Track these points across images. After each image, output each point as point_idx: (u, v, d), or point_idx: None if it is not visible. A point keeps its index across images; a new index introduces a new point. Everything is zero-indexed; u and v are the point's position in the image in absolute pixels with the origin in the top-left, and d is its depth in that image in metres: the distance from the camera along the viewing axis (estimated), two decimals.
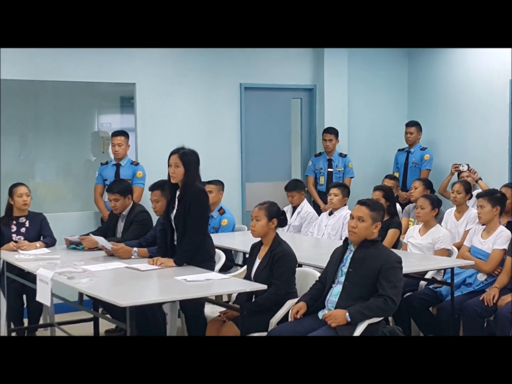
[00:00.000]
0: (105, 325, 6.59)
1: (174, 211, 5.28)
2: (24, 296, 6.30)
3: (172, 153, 5.33)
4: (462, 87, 8.77)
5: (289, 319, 4.75)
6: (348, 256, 4.68)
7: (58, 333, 6.48)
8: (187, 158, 5.27)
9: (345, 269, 4.65)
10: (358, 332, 4.47)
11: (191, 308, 5.33)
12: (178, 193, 5.29)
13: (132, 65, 7.65)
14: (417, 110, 9.29)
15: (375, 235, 4.65)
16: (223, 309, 5.13)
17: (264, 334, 4.73)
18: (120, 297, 4.42)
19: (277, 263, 4.96)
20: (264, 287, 4.75)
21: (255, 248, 5.26)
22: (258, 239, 5.21)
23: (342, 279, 4.65)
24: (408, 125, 8.82)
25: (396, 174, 8.62)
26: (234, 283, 4.78)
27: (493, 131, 8.40)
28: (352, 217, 4.68)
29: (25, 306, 6.35)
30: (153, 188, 5.89)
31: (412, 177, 8.61)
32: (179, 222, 5.23)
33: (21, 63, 7.16)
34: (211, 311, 5.37)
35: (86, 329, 6.49)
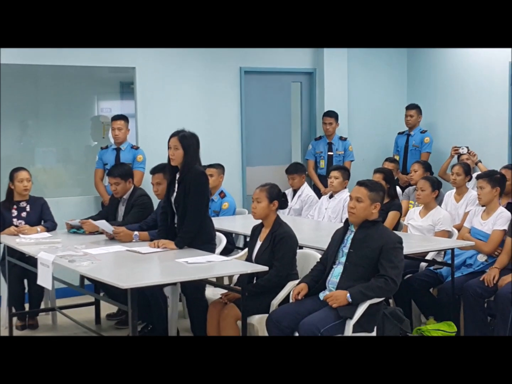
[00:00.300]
0: (106, 310, 6.62)
1: (174, 194, 5.28)
2: (25, 281, 6.31)
3: (172, 136, 5.34)
4: (461, 70, 8.75)
5: (290, 301, 4.76)
6: (349, 236, 4.69)
7: (60, 317, 6.51)
8: (187, 141, 5.28)
9: (346, 250, 4.65)
10: (359, 312, 4.48)
11: (192, 290, 5.36)
12: (178, 175, 5.28)
13: (132, 49, 7.60)
14: (417, 93, 9.28)
15: (375, 216, 4.65)
16: (224, 291, 5.14)
17: (265, 315, 4.74)
18: (121, 279, 4.43)
19: (278, 245, 4.97)
20: (265, 268, 4.76)
21: (256, 230, 5.26)
22: (259, 221, 5.21)
23: (343, 259, 4.65)
24: (408, 108, 8.81)
25: (396, 157, 8.61)
26: (235, 265, 4.79)
27: (492, 113, 8.38)
28: (351, 198, 4.70)
29: (26, 290, 6.36)
30: (154, 171, 5.90)
31: (412, 160, 8.57)
32: (179, 204, 5.24)
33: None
34: (212, 293, 5.39)
35: (88, 313, 6.54)
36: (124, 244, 5.52)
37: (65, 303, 6.67)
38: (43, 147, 8.85)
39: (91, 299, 6.58)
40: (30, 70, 7.89)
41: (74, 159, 8.97)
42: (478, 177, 5.98)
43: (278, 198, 5.15)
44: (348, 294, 4.46)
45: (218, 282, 5.17)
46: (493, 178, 5.83)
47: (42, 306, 6.53)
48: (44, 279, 5.12)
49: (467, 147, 8.06)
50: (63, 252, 5.22)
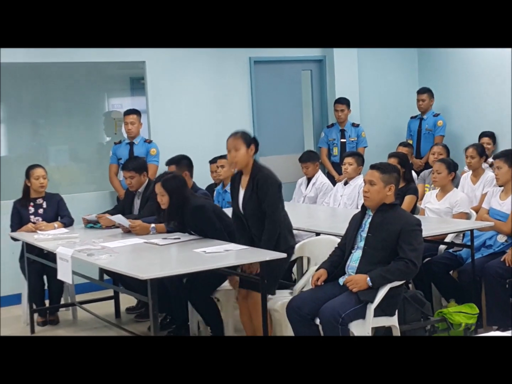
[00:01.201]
0: (126, 303, 6.63)
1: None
2: (45, 277, 6.33)
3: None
4: (473, 51, 8.68)
5: (310, 287, 4.74)
6: (367, 221, 4.66)
7: (80, 312, 6.52)
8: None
9: (364, 234, 4.62)
10: (379, 296, 4.45)
11: (199, 289, 5.31)
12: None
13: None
14: (428, 77, 9.21)
15: (391, 198, 4.61)
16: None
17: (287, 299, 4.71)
18: (141, 271, 4.45)
19: (262, 189, 4.81)
20: (283, 255, 4.72)
21: (235, 179, 5.08)
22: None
23: (361, 244, 4.62)
24: (420, 92, 8.75)
25: (410, 142, 8.55)
26: (254, 253, 4.77)
27: (506, 95, 8.30)
28: (364, 182, 4.67)
29: (46, 287, 6.38)
30: (169, 163, 5.91)
31: (426, 144, 8.56)
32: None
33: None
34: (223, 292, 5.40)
35: (107, 308, 6.55)
36: (142, 237, 5.53)
37: (84, 298, 6.69)
38: (55, 145, 8.85)
39: (110, 293, 6.60)
40: (39, 69, 7.89)
41: (87, 156, 8.97)
42: (495, 157, 5.93)
43: (254, 141, 4.98)
44: (368, 278, 4.44)
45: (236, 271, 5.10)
46: (510, 157, 5.78)
47: (62, 301, 6.53)
48: (64, 274, 5.15)
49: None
50: (81, 247, 5.23)
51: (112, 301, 6.55)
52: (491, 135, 8.09)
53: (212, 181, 7.41)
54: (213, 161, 7.20)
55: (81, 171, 8.90)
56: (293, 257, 5.23)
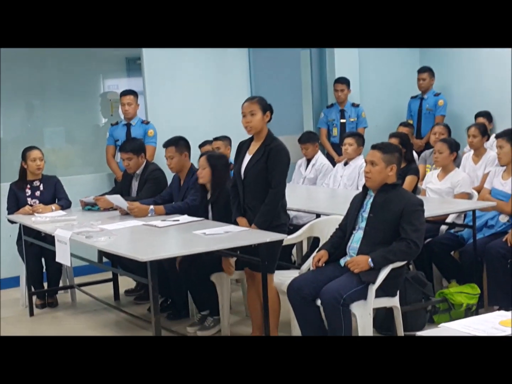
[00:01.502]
0: (124, 286, 6.59)
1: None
2: (43, 260, 6.28)
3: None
4: None
5: (311, 268, 4.69)
6: (368, 201, 4.59)
7: (78, 294, 6.48)
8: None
9: (365, 215, 4.55)
10: (381, 277, 4.40)
11: (198, 271, 5.27)
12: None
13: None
14: (429, 56, 9.10)
15: (392, 178, 4.54)
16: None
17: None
18: (140, 252, 4.41)
19: (274, 159, 4.74)
20: (284, 236, 4.68)
21: (244, 145, 5.01)
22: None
23: (363, 224, 4.56)
24: (420, 71, 8.66)
25: (410, 122, 8.47)
26: (254, 235, 4.71)
27: (507, 74, 8.21)
28: (366, 162, 4.60)
29: (44, 269, 6.33)
30: (167, 144, 5.83)
31: (427, 124, 8.48)
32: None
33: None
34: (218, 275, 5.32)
35: (106, 290, 6.51)
36: (140, 219, 5.47)
37: (83, 280, 6.65)
38: (50, 127, 8.78)
39: (109, 275, 6.55)
40: (34, 50, 7.76)
41: (83, 138, 8.90)
42: (497, 136, 5.87)
43: (270, 109, 4.95)
44: (370, 259, 4.38)
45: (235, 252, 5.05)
46: None
47: (61, 284, 6.49)
48: (63, 256, 5.10)
49: None
50: (79, 229, 5.18)
51: (111, 283, 6.51)
52: (486, 115, 8.01)
53: None
54: (202, 145, 7.08)
55: (77, 153, 8.83)
56: (302, 237, 5.26)
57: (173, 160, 5.76)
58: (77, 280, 6.59)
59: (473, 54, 8.59)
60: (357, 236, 4.58)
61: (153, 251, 4.44)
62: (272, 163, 4.75)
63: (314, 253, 4.76)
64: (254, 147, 4.90)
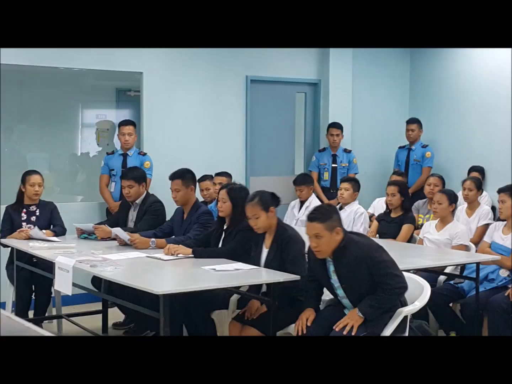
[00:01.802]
0: (113, 318, 6.44)
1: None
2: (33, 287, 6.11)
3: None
4: (464, 85, 8.74)
5: (297, 333, 4.43)
6: (330, 269, 4.37)
7: (65, 325, 6.31)
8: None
9: (336, 284, 4.38)
10: (390, 329, 4.31)
11: (200, 309, 5.16)
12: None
13: (139, 54, 7.46)
14: (418, 107, 9.24)
15: (339, 240, 4.27)
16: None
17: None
18: (153, 285, 4.31)
19: (287, 248, 4.76)
20: (297, 277, 4.60)
21: (260, 237, 5.02)
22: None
23: (341, 293, 4.41)
24: (409, 122, 8.75)
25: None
26: (266, 273, 4.64)
27: (496, 130, 8.34)
28: (308, 236, 4.32)
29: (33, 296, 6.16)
30: (173, 177, 5.74)
31: (414, 174, 8.56)
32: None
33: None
34: (218, 314, 5.22)
35: (93, 322, 6.34)
36: (143, 251, 5.37)
37: (68, 311, 6.47)
38: (34, 152, 8.68)
39: (98, 307, 6.39)
40: (23, 72, 7.67)
41: (61, 166, 8.83)
42: (499, 191, 5.92)
43: (272, 203, 4.92)
44: (358, 312, 4.24)
45: (246, 291, 4.97)
46: None
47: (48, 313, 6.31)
48: (63, 285, 4.94)
49: None
50: (80, 257, 5.05)
51: (99, 315, 6.33)
52: (480, 170, 8.11)
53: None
54: (202, 179, 6.99)
55: (55, 180, 8.70)
56: None
57: (179, 193, 5.69)
58: (64, 310, 6.41)
59: (462, 109, 8.74)
60: (341, 293, 4.42)
61: (167, 285, 4.35)
62: (286, 254, 4.76)
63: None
64: (268, 240, 4.96)
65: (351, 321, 4.24)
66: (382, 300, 4.25)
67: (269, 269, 4.81)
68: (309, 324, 4.39)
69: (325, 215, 4.27)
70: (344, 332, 4.21)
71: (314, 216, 4.29)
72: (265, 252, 4.97)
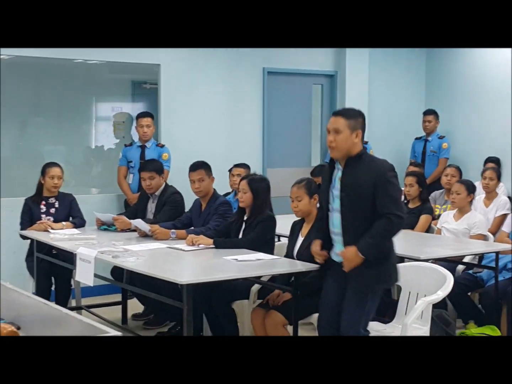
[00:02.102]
0: (132, 309, 6.48)
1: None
2: (52, 279, 6.15)
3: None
4: (480, 77, 8.73)
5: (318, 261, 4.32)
6: (337, 175, 4.13)
7: (85, 316, 6.33)
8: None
9: (336, 192, 4.12)
10: (411, 319, 4.29)
11: (222, 299, 5.19)
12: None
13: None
14: (434, 99, 9.24)
15: (358, 147, 4.09)
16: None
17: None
18: (177, 275, 4.34)
19: None
20: (317, 266, 4.60)
21: (297, 225, 5.09)
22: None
23: (337, 205, 4.12)
24: (426, 113, 8.77)
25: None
26: (288, 263, 4.67)
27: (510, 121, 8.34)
28: (328, 131, 4.12)
29: (53, 288, 6.20)
30: (196, 167, 5.74)
31: (430, 165, 8.56)
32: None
33: None
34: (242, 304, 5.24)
35: (113, 313, 6.39)
36: (163, 242, 5.39)
37: (87, 302, 6.51)
38: (49, 145, 8.72)
39: (116, 298, 6.44)
40: (35, 65, 7.70)
41: (77, 158, 8.87)
42: None
43: (317, 191, 4.95)
44: (359, 252, 4.00)
45: (269, 282, 5.00)
46: None
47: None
48: (85, 275, 4.99)
49: None
50: (102, 248, 5.08)
51: (119, 306, 6.39)
52: (496, 161, 8.11)
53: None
54: (230, 170, 7.06)
55: (71, 173, 8.75)
56: None
57: (203, 183, 5.69)
58: (84, 301, 6.46)
59: (478, 101, 8.73)
60: (335, 219, 4.16)
61: (190, 274, 4.38)
62: None
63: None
64: (305, 229, 4.97)
65: (350, 262, 4.04)
66: (379, 233, 4.01)
67: (301, 257, 4.81)
68: (319, 249, 4.24)
69: (351, 114, 4.14)
70: (346, 270, 4.07)
71: (340, 111, 4.19)
72: (300, 240, 4.98)
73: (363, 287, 4.11)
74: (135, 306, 6.45)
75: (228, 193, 6.91)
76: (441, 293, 4.38)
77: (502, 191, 7.50)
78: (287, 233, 5.39)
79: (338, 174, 4.12)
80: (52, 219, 6.10)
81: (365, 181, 4.00)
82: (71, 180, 8.57)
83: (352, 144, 4.06)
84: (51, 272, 6.05)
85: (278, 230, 5.43)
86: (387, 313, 5.48)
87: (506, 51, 8.35)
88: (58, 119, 8.57)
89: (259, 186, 5.30)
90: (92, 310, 6.32)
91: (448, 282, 4.40)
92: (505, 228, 5.98)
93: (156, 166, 6.15)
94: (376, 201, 4.00)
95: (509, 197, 7.41)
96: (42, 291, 5.99)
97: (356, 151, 4.08)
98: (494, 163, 7.94)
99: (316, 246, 4.27)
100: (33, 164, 7.37)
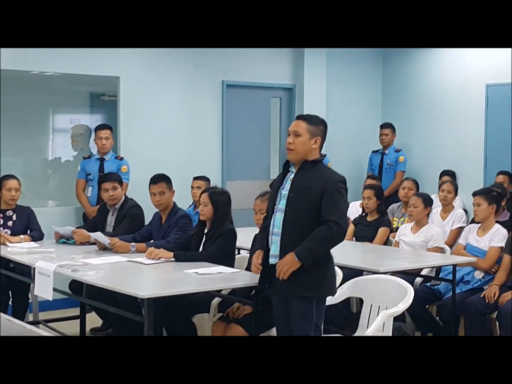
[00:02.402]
0: (91, 323, 6.42)
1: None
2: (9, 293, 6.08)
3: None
4: (436, 91, 8.88)
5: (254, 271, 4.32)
6: (289, 178, 4.18)
7: (43, 330, 6.26)
8: None
9: (285, 192, 4.14)
10: (372, 332, 4.31)
11: (181, 312, 5.17)
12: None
13: (115, 59, 7.47)
14: (391, 112, 9.36)
15: (315, 153, 4.17)
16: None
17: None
18: (138, 289, 4.31)
19: None
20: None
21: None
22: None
23: (282, 205, 4.13)
24: (383, 126, 8.88)
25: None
26: (249, 276, 4.67)
27: (468, 135, 8.51)
28: (289, 133, 4.18)
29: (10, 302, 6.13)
30: (157, 180, 5.72)
31: (387, 178, 8.66)
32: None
33: None
34: (202, 317, 5.21)
35: (70, 327, 6.32)
36: (123, 255, 5.37)
37: (45, 317, 6.44)
38: (6, 157, 8.61)
39: (75, 312, 6.37)
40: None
41: (36, 171, 8.79)
42: (474, 194, 6.01)
43: None
44: (295, 256, 4.01)
45: (228, 295, 5.01)
46: (490, 195, 5.88)
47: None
48: (44, 290, 4.92)
49: None
50: (61, 262, 5.04)
51: (77, 321, 6.31)
52: (452, 174, 8.24)
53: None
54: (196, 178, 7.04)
55: (27, 185, 8.66)
56: (343, 297, 4.82)
57: (164, 196, 5.68)
58: (41, 315, 6.38)
59: (433, 113, 8.87)
60: (277, 219, 4.16)
61: (151, 288, 4.36)
62: None
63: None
64: None
65: (286, 265, 4.04)
66: (318, 239, 4.04)
67: None
68: (259, 261, 4.23)
69: (314, 119, 4.22)
70: (280, 275, 4.06)
71: (303, 116, 4.27)
72: None
73: (306, 292, 4.10)
74: (93, 320, 6.40)
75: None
76: (402, 306, 4.41)
77: (458, 204, 7.62)
78: (247, 245, 5.44)
79: (290, 176, 4.18)
80: (9, 232, 6.03)
81: (315, 185, 4.06)
82: (28, 192, 8.49)
83: (309, 149, 4.14)
84: (9, 286, 5.98)
85: (238, 243, 5.44)
86: (347, 326, 5.53)
87: (461, 65, 8.52)
88: (15, 131, 8.49)
89: (220, 199, 5.31)
90: (50, 324, 6.25)
91: (409, 295, 4.44)
92: (461, 240, 6.07)
93: (117, 177, 6.15)
94: (322, 207, 4.03)
95: (464, 209, 7.56)
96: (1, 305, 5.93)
97: (313, 157, 4.16)
98: (449, 176, 8.08)
99: (256, 257, 4.26)
100: None
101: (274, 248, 4.18)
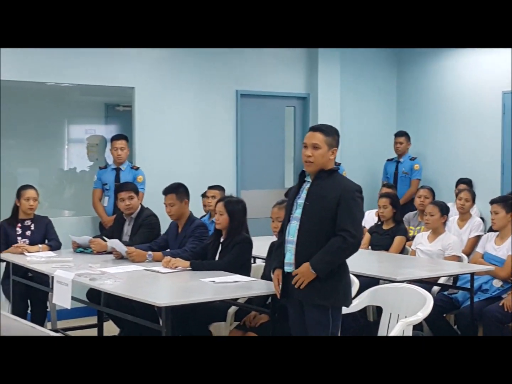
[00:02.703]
0: (108, 332, 6.44)
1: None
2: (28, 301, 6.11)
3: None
4: (452, 98, 8.86)
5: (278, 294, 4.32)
6: (305, 187, 4.21)
7: None
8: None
9: (300, 201, 4.17)
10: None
11: (198, 321, 5.17)
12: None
13: (131, 69, 7.52)
14: (405, 120, 9.35)
15: (331, 163, 4.21)
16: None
17: None
18: (156, 297, 4.34)
19: None
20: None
21: (274, 246, 5.12)
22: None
23: (298, 214, 4.17)
24: (397, 135, 8.87)
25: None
26: (265, 285, 4.67)
27: (484, 142, 8.48)
28: (306, 145, 4.20)
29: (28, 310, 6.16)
30: (167, 191, 5.76)
31: (402, 187, 8.65)
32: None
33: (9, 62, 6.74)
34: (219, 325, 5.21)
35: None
36: (140, 264, 5.39)
37: (63, 325, 6.47)
38: (22, 168, 8.69)
39: (92, 321, 6.40)
40: (13, 88, 7.69)
41: (52, 181, 8.85)
42: (492, 202, 5.99)
43: None
44: (311, 268, 4.05)
45: (244, 303, 5.01)
46: (508, 203, 5.86)
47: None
48: (62, 298, 4.95)
49: None
50: (79, 271, 5.06)
51: (94, 329, 6.34)
52: (468, 182, 8.21)
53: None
54: (204, 194, 7.12)
55: (44, 195, 8.71)
56: (363, 305, 4.82)
57: (173, 207, 5.72)
58: (59, 324, 6.41)
59: (449, 121, 8.85)
60: (293, 227, 4.19)
61: (169, 297, 4.37)
62: None
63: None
64: None
65: (302, 277, 4.08)
66: (333, 251, 4.07)
67: None
68: (280, 284, 4.24)
69: (330, 131, 4.23)
70: (296, 286, 4.10)
71: (319, 127, 4.26)
72: None
73: (321, 301, 4.11)
74: (110, 328, 6.41)
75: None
76: (421, 314, 4.40)
77: (475, 212, 7.59)
78: (263, 254, 5.44)
79: (306, 186, 4.21)
80: (28, 241, 6.08)
81: (331, 194, 4.09)
82: (44, 202, 8.54)
83: (327, 161, 4.17)
84: (27, 295, 6.03)
85: (253, 252, 5.45)
86: (364, 334, 5.51)
87: (477, 72, 8.50)
88: (31, 142, 8.57)
89: (236, 208, 5.33)
90: (68, 332, 6.27)
91: (428, 304, 4.44)
92: (479, 249, 6.05)
93: (134, 187, 6.19)
94: (337, 216, 4.06)
95: (481, 218, 7.53)
96: (18, 313, 5.93)
97: (329, 167, 4.19)
98: (466, 184, 8.05)
99: (276, 279, 4.25)
100: (6, 186, 7.34)
101: (289, 256, 4.20)
